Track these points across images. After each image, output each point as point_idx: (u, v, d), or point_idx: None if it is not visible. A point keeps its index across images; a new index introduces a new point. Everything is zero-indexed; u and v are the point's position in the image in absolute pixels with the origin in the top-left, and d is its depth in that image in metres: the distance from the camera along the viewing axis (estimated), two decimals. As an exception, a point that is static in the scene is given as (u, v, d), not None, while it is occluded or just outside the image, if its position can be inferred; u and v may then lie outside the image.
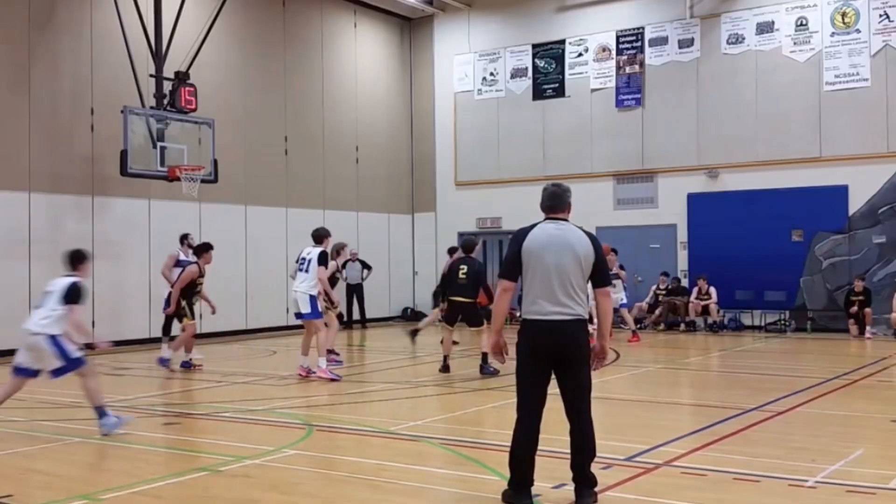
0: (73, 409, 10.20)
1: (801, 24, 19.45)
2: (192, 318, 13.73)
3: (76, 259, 9.00)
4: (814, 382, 11.41)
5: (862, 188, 18.65)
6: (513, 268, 5.84)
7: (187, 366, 13.63)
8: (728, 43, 20.26)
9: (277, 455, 7.51)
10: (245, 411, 10.01)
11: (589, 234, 5.91)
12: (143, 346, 16.63)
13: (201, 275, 13.66)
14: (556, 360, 5.86)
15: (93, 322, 16.79)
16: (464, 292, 12.90)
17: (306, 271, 12.56)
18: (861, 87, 18.74)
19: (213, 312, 14.34)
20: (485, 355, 12.51)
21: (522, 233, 5.90)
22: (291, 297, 12.90)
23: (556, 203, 5.95)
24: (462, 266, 13.04)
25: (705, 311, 19.50)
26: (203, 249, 13.77)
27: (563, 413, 5.90)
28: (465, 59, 23.90)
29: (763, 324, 19.72)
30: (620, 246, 18.74)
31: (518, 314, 6.90)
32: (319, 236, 12.88)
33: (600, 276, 5.85)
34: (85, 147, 16.83)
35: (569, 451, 5.87)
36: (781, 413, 9.21)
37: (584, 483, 5.80)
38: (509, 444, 5.81)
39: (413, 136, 24.74)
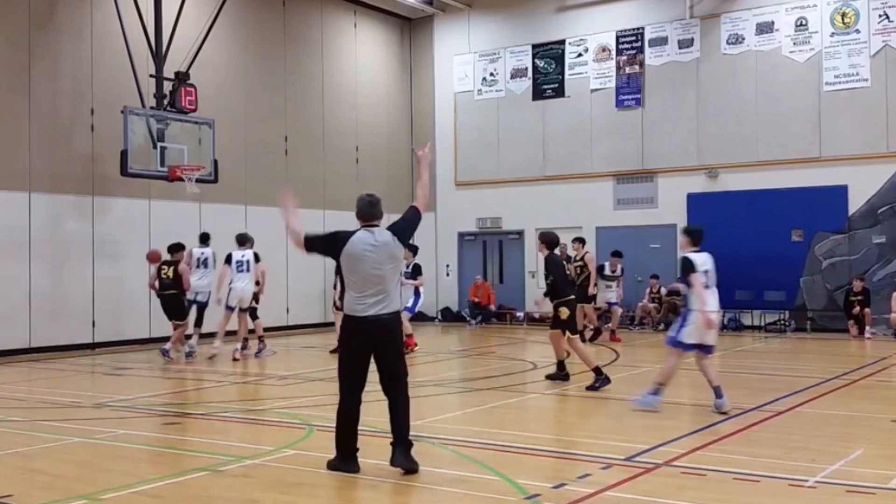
0: (72, 410, 10.21)
1: (801, 25, 19.45)
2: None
3: None
4: (813, 382, 11.41)
5: (862, 188, 18.65)
6: None
7: (166, 353, 14.61)
8: (728, 43, 20.26)
9: (277, 455, 7.50)
10: (245, 411, 10.01)
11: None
12: (143, 345, 16.63)
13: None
14: None
15: (93, 322, 16.82)
16: (573, 291, 11.80)
17: (247, 271, 14.64)
18: (861, 87, 18.74)
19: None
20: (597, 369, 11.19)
21: None
22: (235, 294, 14.58)
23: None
24: (564, 263, 12.21)
25: None
26: (176, 249, 14.91)
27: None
28: (465, 59, 23.90)
29: (763, 324, 19.72)
30: (620, 246, 18.74)
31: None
32: (246, 239, 15.00)
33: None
34: (85, 147, 16.83)
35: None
36: (781, 413, 9.21)
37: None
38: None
39: (413, 136, 24.73)
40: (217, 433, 8.88)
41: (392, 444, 6.57)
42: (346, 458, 6.61)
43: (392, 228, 6.70)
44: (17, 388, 12.34)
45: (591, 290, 17.09)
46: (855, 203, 18.76)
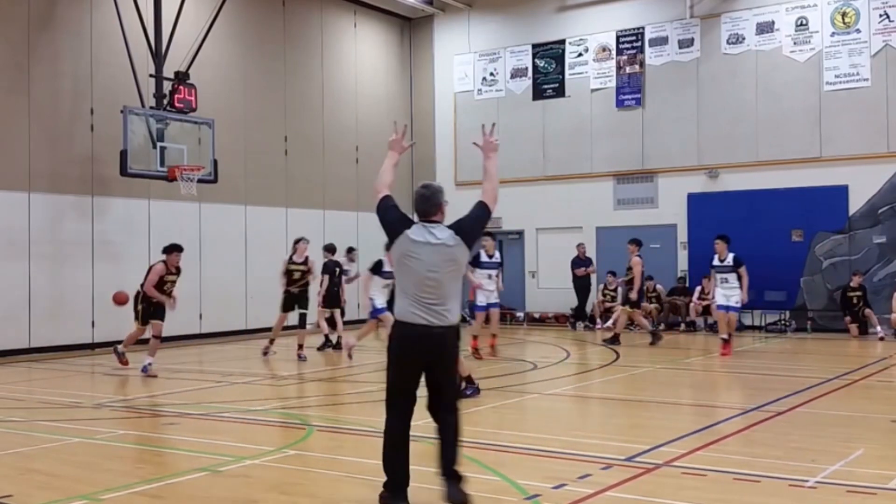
0: (72, 410, 10.21)
1: (802, 24, 19.45)
2: (145, 322, 13.57)
3: None
4: (814, 382, 11.41)
5: (862, 188, 18.65)
6: None
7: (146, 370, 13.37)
8: (728, 43, 20.26)
9: (277, 455, 7.51)
10: (245, 411, 10.01)
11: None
12: (143, 346, 16.61)
13: (170, 273, 13.55)
14: None
15: (92, 322, 16.82)
16: None
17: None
18: (861, 87, 18.74)
19: (173, 309, 13.92)
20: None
21: None
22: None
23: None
24: None
25: (706, 311, 19.48)
26: (170, 250, 13.73)
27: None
28: (465, 59, 23.91)
29: (763, 324, 19.71)
30: (621, 246, 18.72)
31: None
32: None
33: None
34: (85, 147, 16.84)
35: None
36: (782, 413, 9.21)
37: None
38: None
39: (413, 136, 24.70)
40: (216, 433, 8.88)
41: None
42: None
43: (455, 226, 5.86)
44: (17, 388, 12.35)
45: (633, 296, 17.08)
46: (855, 203, 18.76)
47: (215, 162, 17.15)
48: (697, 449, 7.46)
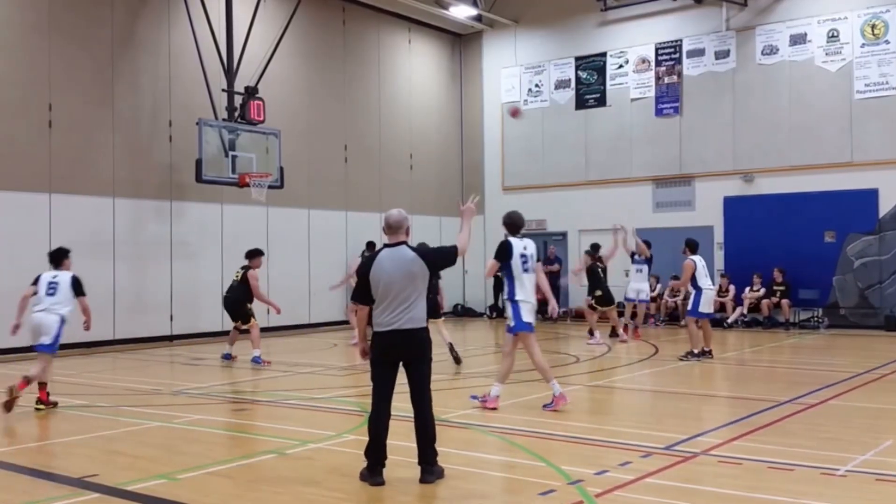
0: (152, 396, 10.40)
1: (833, 36, 19.04)
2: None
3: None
4: (845, 377, 11.17)
5: (891, 191, 18.18)
6: None
7: (228, 357, 13.77)
8: (763, 54, 19.92)
9: (338, 440, 7.57)
10: (308, 399, 10.11)
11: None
12: (216, 338, 16.88)
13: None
14: None
15: (171, 316, 17.12)
16: None
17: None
18: (890, 94, 18.27)
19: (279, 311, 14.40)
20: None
21: None
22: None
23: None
24: None
25: (723, 308, 19.24)
26: (255, 255, 13.88)
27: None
28: (511, 71, 23.84)
29: (797, 321, 19.34)
30: (659, 247, 18.53)
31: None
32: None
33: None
34: (163, 156, 17.14)
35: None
36: (814, 405, 9.03)
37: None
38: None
39: (463, 144, 24.75)
40: (283, 419, 8.98)
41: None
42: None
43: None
44: (103, 376, 12.62)
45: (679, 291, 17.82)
46: (885, 206, 18.29)
47: (281, 169, 17.35)
48: (734, 439, 7.35)
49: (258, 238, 17.72)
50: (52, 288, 9.72)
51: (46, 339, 9.46)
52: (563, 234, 22.84)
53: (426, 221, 23.06)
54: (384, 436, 6.11)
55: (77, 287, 9.78)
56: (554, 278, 21.97)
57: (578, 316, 22.11)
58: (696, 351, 13.19)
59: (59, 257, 10.12)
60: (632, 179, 21.56)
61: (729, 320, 19.16)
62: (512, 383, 11.31)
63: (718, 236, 20.41)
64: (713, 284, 14.09)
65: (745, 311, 19.16)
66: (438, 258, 6.32)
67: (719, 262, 20.38)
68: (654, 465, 6.38)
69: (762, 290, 19.20)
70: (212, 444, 7.77)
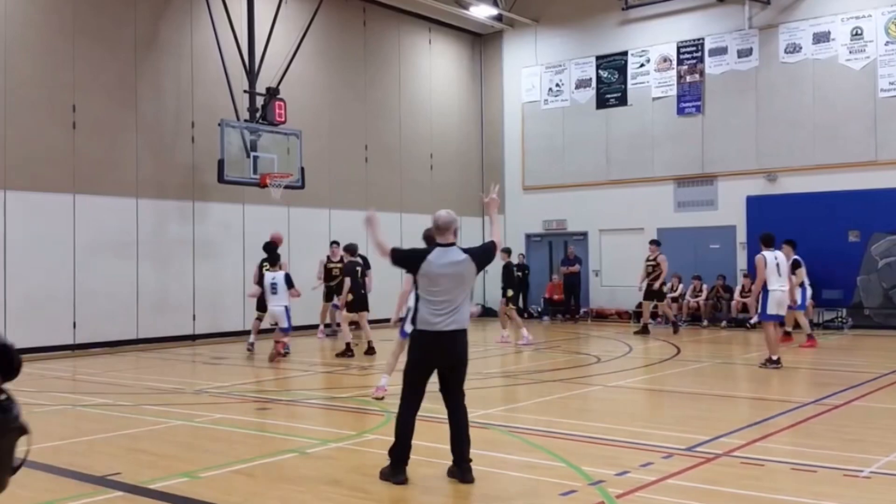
0: (175, 395, 10.47)
1: (857, 34, 18.85)
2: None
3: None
4: (869, 377, 11.05)
5: (917, 190, 17.99)
6: None
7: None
8: (786, 52, 19.75)
9: (359, 439, 7.59)
10: (329, 399, 10.14)
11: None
12: (239, 337, 16.97)
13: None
14: None
15: (193, 315, 17.23)
16: None
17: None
18: (916, 92, 18.08)
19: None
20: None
21: None
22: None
23: None
24: None
25: (746, 308, 19.10)
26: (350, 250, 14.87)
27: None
28: (532, 71, 23.80)
29: (821, 321, 19.16)
30: (681, 246, 18.47)
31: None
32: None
33: None
34: (186, 157, 17.26)
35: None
36: (837, 407, 8.94)
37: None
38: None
39: (483, 144, 24.73)
40: (304, 418, 9.01)
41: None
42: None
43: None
44: (126, 375, 12.72)
45: (658, 287, 17.94)
46: (910, 204, 18.10)
47: (302, 169, 17.42)
48: (756, 440, 7.29)
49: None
50: (274, 287, 13.51)
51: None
52: (584, 234, 22.77)
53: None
54: (411, 435, 6.10)
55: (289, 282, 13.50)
56: (574, 278, 22.04)
57: (599, 316, 22.06)
58: (774, 357, 12.00)
59: (274, 260, 13.97)
60: (653, 179, 21.45)
61: (752, 321, 19.00)
62: (532, 383, 11.30)
63: (741, 236, 20.26)
64: (784, 282, 12.57)
65: None
66: (483, 257, 6.32)
67: (742, 261, 20.22)
68: (676, 467, 6.34)
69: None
70: (233, 442, 7.80)
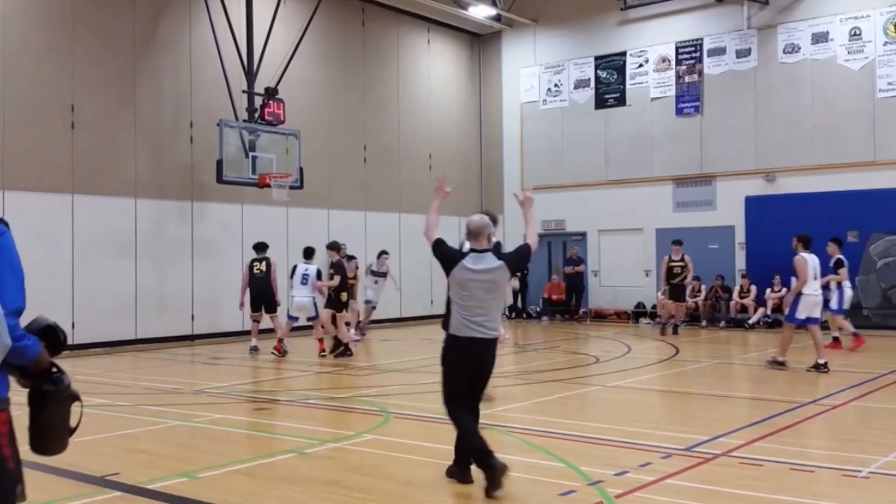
0: (173, 395, 10.46)
1: (855, 34, 18.86)
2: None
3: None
4: (868, 378, 11.06)
5: (916, 190, 17.99)
6: None
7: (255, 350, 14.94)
8: (784, 52, 19.75)
9: (357, 439, 7.58)
10: (328, 399, 10.14)
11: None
12: (238, 337, 16.97)
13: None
14: None
15: (192, 315, 17.22)
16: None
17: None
18: (915, 93, 18.09)
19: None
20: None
21: None
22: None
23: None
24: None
25: (745, 309, 19.09)
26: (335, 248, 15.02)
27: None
28: (531, 71, 23.80)
29: (820, 321, 19.10)
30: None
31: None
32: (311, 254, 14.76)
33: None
34: (185, 157, 17.25)
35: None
36: (836, 407, 8.95)
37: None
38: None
39: (482, 144, 24.74)
40: (303, 418, 9.01)
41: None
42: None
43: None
44: (125, 375, 12.72)
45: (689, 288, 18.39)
46: (909, 205, 18.11)
47: (301, 170, 17.41)
48: (755, 440, 7.29)
49: (278, 238, 17.82)
50: (305, 278, 14.11)
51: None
52: (583, 235, 22.77)
53: (445, 222, 23.02)
54: (476, 431, 5.96)
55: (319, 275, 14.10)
56: (577, 279, 21.93)
57: (598, 316, 22.06)
58: (780, 359, 11.94)
59: (309, 253, 14.48)
60: (652, 179, 21.46)
61: (751, 321, 19.02)
62: (531, 384, 11.30)
63: (740, 236, 20.26)
64: (819, 285, 12.44)
65: (768, 312, 18.99)
66: (518, 261, 6.29)
67: (741, 262, 20.24)
68: (675, 467, 6.34)
69: (783, 291, 19.01)
70: (232, 442, 7.80)
